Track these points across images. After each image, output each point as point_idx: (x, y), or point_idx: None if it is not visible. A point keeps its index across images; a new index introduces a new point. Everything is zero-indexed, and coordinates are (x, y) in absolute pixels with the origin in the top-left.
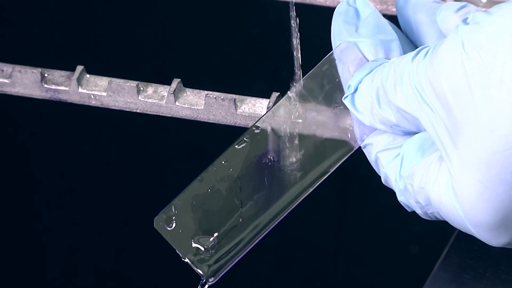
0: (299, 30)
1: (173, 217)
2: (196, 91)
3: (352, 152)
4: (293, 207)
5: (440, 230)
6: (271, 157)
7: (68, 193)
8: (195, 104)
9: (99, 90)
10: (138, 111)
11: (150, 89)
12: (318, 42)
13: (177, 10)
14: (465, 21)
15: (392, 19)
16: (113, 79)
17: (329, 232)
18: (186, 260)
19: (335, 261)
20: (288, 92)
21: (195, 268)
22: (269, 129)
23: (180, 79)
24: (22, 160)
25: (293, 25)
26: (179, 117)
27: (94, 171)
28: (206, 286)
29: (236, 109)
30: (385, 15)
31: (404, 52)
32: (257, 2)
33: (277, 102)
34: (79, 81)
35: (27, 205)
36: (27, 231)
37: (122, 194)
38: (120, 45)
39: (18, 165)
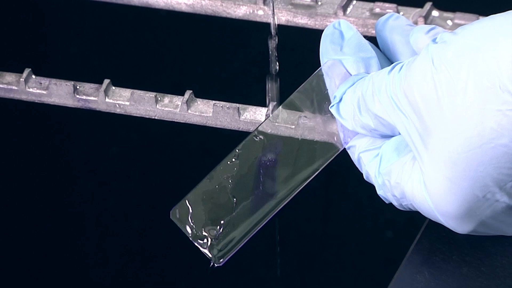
0: (293, 49)
1: (186, 210)
2: (205, 101)
3: (338, 152)
4: (288, 199)
5: (413, 219)
6: (270, 158)
7: (99, 186)
8: (204, 112)
9: (123, 100)
10: (156, 118)
11: (167, 99)
12: (309, 59)
13: (191, 35)
14: (434, 40)
15: (372, 39)
16: (135, 91)
17: (317, 219)
18: (198, 245)
19: (321, 243)
20: (281, 105)
21: (205, 252)
22: (268, 133)
23: (192, 91)
24: (60, 159)
25: (271, 47)
26: (191, 123)
27: (121, 168)
28: (216, 266)
29: (239, 116)
30: (365, 36)
31: (382, 67)
32: (257, 29)
33: (274, 111)
34: (106, 92)
35: (66, 196)
36: (66, 217)
37: (144, 187)
38: (141, 62)
39: (57, 163)
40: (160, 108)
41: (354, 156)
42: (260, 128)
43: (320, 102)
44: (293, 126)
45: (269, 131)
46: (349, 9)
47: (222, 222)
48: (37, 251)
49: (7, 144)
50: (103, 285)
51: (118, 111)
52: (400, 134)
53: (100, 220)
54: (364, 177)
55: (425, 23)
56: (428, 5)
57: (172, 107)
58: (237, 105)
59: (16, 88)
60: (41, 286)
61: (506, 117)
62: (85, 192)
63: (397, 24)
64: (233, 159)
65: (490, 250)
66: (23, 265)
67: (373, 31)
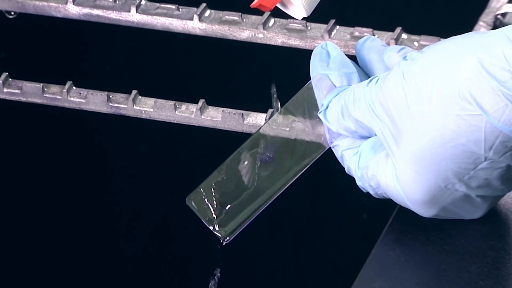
0: (288, 65)
1: (199, 196)
2: (215, 108)
3: (324, 150)
4: (284, 189)
5: (386, 205)
6: (268, 155)
7: (130, 178)
8: (215, 117)
9: (148, 107)
10: (175, 122)
11: (184, 106)
12: (301, 74)
13: (203, 54)
14: (404, 58)
15: (352, 57)
16: (158, 100)
17: (306, 204)
18: (208, 226)
19: (310, 224)
20: (278, 111)
21: (215, 232)
22: (267, 134)
23: (204, 100)
24: (98, 155)
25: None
26: (203, 126)
27: (147, 163)
28: (224, 243)
29: (243, 121)
30: (347, 55)
31: (361, 80)
32: (258, 49)
33: (271, 116)
34: (134, 101)
35: (103, 186)
36: (104, 203)
37: (165, 178)
38: (163, 76)
39: (96, 159)
40: (178, 114)
41: (337, 154)
42: (260, 131)
43: (310, 109)
44: (288, 129)
45: (268, 132)
46: (333, 33)
47: (228, 207)
48: (82, 230)
49: (54, 143)
50: (134, 257)
51: (144, 116)
52: (376, 135)
53: (130, 205)
54: (346, 170)
55: (396, 44)
56: (398, 29)
57: (188, 113)
58: (242, 111)
59: (60, 97)
60: (84, 257)
61: (464, 120)
62: (118, 183)
63: (373, 45)
64: (238, 155)
65: (450, 231)
66: (70, 240)
67: (353, 51)
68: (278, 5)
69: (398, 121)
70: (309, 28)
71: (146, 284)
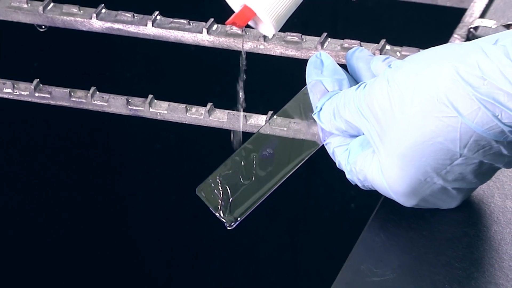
0: (285, 73)
1: (208, 187)
2: (222, 110)
3: (318, 147)
4: (282, 181)
5: (372, 196)
6: (268, 151)
7: (147, 172)
8: (221, 118)
9: (162, 110)
10: (186, 122)
11: (194, 109)
12: (298, 80)
13: (212, 63)
14: (389, 66)
15: (343, 66)
16: (171, 103)
17: (301, 194)
18: (215, 213)
19: (304, 212)
20: (277, 113)
21: (221, 219)
22: (267, 133)
23: (212, 103)
24: (118, 152)
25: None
26: (211, 126)
27: (162, 158)
28: (229, 228)
29: (246, 121)
30: (339, 64)
31: (351, 86)
32: (259, 58)
33: (271, 118)
34: (150, 104)
35: (123, 179)
36: (124, 193)
37: (178, 172)
38: (176, 82)
39: (116, 155)
40: (189, 115)
41: (330, 150)
42: (261, 130)
43: (306, 111)
44: (285, 129)
45: (268, 132)
46: (325, 44)
47: (233, 196)
48: (106, 214)
49: (81, 142)
50: (149, 240)
51: (159, 117)
52: (363, 134)
53: (147, 194)
54: (337, 165)
55: (381, 54)
56: (382, 41)
57: (197, 115)
58: (245, 113)
59: (84, 101)
60: (106, 239)
61: (441, 122)
62: (137, 175)
63: (361, 55)
64: (242, 152)
65: (429, 219)
66: (97, 221)
67: (344, 60)
68: (249, 23)
69: (383, 122)
70: (304, 40)
71: (160, 263)
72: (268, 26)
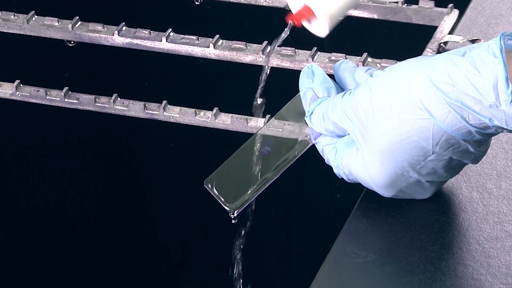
0: (281, 82)
1: (214, 180)
2: (226, 114)
3: (309, 146)
4: (278, 175)
5: (356, 187)
6: (266, 149)
7: (162, 166)
8: (226, 121)
9: (175, 113)
10: (195, 125)
11: (202, 113)
12: (292, 88)
13: (217, 73)
14: (371, 75)
15: (331, 76)
16: (182, 108)
17: (294, 185)
18: (220, 202)
19: (297, 200)
20: (274, 116)
21: (225, 207)
22: (265, 134)
23: (217, 108)
24: (137, 150)
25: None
26: (217, 128)
27: (175, 155)
28: (232, 216)
29: (247, 123)
30: (327, 74)
31: (338, 93)
32: (259, 69)
33: (269, 121)
34: (164, 109)
35: (141, 172)
36: (142, 184)
37: (188, 167)
38: (186, 90)
39: (136, 153)
40: (198, 118)
41: (319, 148)
42: (260, 131)
43: (299, 115)
44: (281, 130)
45: (266, 133)
46: (315, 57)
47: (236, 188)
48: (128, 202)
49: (104, 142)
50: (165, 224)
51: (172, 120)
52: (349, 134)
53: (163, 187)
54: (326, 161)
55: (364, 65)
56: (365, 55)
57: (205, 118)
58: (246, 116)
59: (108, 106)
60: (127, 223)
61: (416, 123)
62: (154, 170)
63: (346, 66)
64: (244, 149)
65: (405, 208)
66: (120, 206)
67: (332, 71)
68: (304, 24)
69: (366, 123)
70: (297, 53)
71: (175, 243)
72: (323, 26)
